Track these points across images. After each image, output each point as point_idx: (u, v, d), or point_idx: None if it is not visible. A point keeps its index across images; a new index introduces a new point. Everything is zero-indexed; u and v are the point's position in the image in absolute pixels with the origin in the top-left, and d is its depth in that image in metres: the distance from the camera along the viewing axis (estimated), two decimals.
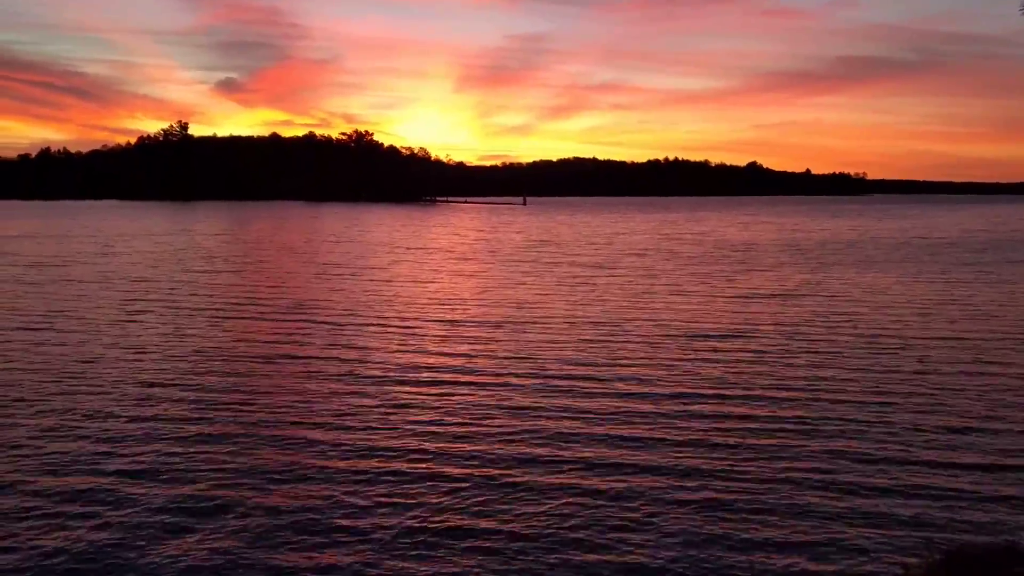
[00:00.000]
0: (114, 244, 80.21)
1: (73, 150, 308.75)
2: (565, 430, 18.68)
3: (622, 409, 20.40)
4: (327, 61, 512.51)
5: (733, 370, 24.60)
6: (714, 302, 39.68)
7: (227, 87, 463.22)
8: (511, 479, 15.63)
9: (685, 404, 20.85)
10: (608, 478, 15.67)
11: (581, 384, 22.90)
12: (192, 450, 17.25)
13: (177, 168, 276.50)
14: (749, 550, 12.80)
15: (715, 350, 27.67)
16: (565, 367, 24.94)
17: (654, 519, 13.82)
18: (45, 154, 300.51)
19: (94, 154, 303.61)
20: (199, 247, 77.28)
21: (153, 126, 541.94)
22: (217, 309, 37.49)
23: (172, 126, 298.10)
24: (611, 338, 29.82)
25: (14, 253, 68.82)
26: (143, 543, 12.98)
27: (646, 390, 22.24)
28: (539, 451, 17.25)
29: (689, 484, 15.39)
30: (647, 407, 20.60)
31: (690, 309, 37.20)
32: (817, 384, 22.85)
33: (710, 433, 18.44)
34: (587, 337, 30.04)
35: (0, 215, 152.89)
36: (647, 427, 18.92)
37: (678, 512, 14.10)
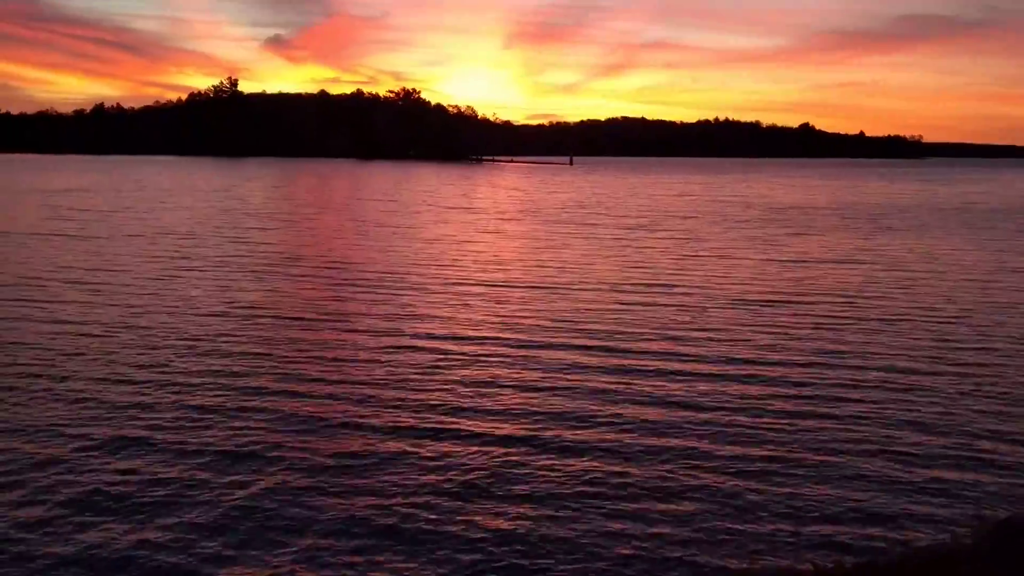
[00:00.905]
0: (162, 200, 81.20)
1: (126, 106, 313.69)
2: (608, 395, 18.37)
3: (666, 376, 20.01)
4: (375, 18, 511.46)
5: (783, 338, 24.01)
6: (763, 267, 38.88)
7: (276, 43, 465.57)
8: (548, 440, 15.39)
9: (732, 370, 20.40)
10: (652, 440, 15.37)
11: (625, 350, 22.51)
12: (235, 404, 17.30)
13: (226, 124, 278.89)
14: (800, 516, 12.51)
15: (765, 317, 27.05)
16: (608, 332, 24.55)
17: (697, 483, 13.51)
18: (99, 109, 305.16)
19: (146, 110, 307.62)
20: (246, 204, 77.88)
21: (203, 82, 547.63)
22: (261, 266, 37.68)
23: (222, 82, 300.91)
24: (656, 303, 29.33)
25: (66, 207, 69.99)
26: (192, 489, 13.14)
27: (692, 356, 21.78)
28: (579, 412, 16.97)
29: (738, 451, 15.02)
30: (693, 374, 20.18)
31: (739, 274, 36.49)
32: (870, 352, 22.21)
33: (759, 400, 17.98)
34: (631, 301, 29.59)
35: (54, 169, 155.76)
36: (693, 393, 18.52)
37: (726, 478, 13.76)
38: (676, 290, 32.00)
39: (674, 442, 15.60)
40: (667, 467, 14.47)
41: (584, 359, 21.52)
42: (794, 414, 17.20)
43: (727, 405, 17.81)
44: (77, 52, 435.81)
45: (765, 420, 16.84)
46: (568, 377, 19.83)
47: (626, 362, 21.19)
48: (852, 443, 15.57)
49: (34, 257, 39.68)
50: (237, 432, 15.89)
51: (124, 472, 13.97)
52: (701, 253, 43.91)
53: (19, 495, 13.06)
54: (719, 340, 23.64)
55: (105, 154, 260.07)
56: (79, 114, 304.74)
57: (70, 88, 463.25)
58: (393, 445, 15.31)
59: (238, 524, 12.21)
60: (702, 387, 19.12)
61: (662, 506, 12.93)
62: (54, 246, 44.03)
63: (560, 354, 21.97)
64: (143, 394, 18.21)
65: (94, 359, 21.07)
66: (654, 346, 22.91)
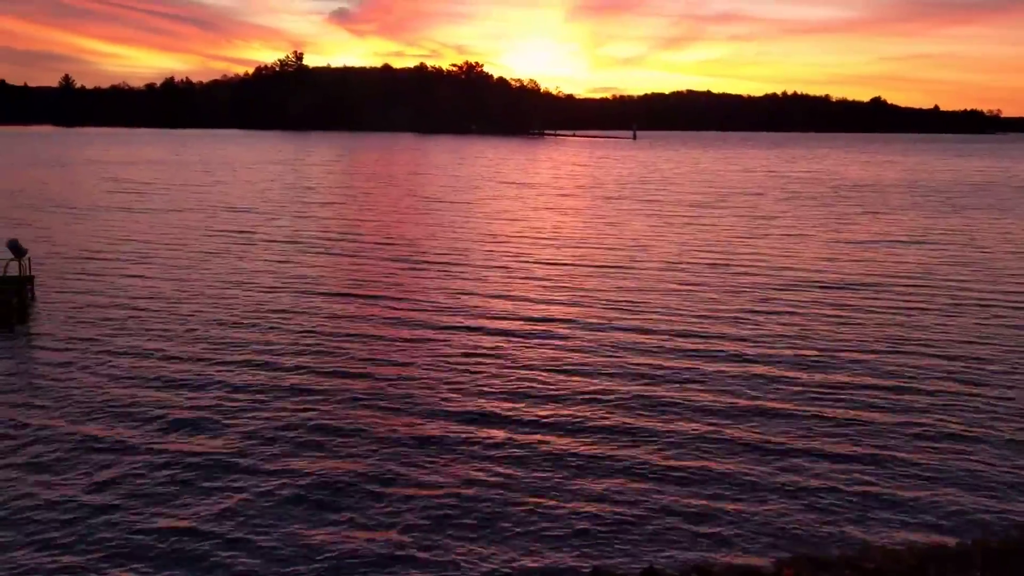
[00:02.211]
0: (226, 173, 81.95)
1: (195, 80, 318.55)
2: (672, 380, 17.46)
3: (732, 362, 19.01)
4: None
5: (854, 322, 22.74)
6: (833, 247, 37.22)
7: (340, 17, 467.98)
8: (611, 427, 14.58)
9: (802, 355, 19.29)
10: (724, 425, 14.46)
11: (687, 333, 21.52)
12: (290, 380, 16.89)
13: (291, 98, 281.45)
14: (854, 500, 11.74)
15: (835, 300, 25.71)
16: (668, 315, 23.58)
17: (765, 468, 12.59)
18: (169, 84, 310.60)
19: (214, 84, 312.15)
20: (307, 178, 78.14)
21: (269, 56, 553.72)
22: (318, 242, 37.43)
23: (288, 57, 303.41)
24: (719, 284, 28.18)
25: (131, 180, 71.01)
26: (252, 456, 13.07)
27: (759, 340, 20.71)
28: (643, 396, 16.13)
29: (808, 435, 14.03)
30: (760, 359, 19.13)
31: (808, 255, 34.97)
32: (947, 339, 20.85)
33: (834, 391, 16.92)
34: (692, 282, 28.47)
35: (124, 143, 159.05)
36: (761, 381, 17.51)
37: (796, 462, 12.82)
38: (740, 271, 30.74)
39: (743, 433, 14.66)
40: (741, 458, 13.64)
41: (644, 341, 20.69)
42: (871, 405, 16.16)
43: (798, 396, 16.76)
44: (150, 27, 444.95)
45: (840, 412, 15.77)
46: (630, 360, 18.96)
47: (689, 346, 20.29)
48: (920, 428, 14.72)
49: (97, 230, 40.06)
50: (293, 411, 15.49)
51: (178, 452, 13.64)
52: (767, 232, 42.34)
53: (78, 473, 12.80)
54: (787, 324, 22.48)
55: (174, 127, 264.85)
56: (150, 88, 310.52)
57: (142, 62, 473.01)
58: (449, 428, 14.71)
59: (300, 501, 11.74)
60: (769, 374, 18.09)
61: (744, 496, 12.05)
62: (115, 219, 44.46)
63: (619, 335, 21.14)
64: (196, 372, 17.98)
65: (144, 334, 21.03)
66: (717, 329, 21.90)
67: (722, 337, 21.32)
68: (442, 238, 38.97)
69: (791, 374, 18.37)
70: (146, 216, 46.18)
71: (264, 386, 17.26)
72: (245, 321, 22.56)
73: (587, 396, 16.84)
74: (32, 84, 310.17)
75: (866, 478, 13.18)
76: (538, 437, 14.66)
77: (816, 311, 24.33)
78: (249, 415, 15.61)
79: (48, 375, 17.89)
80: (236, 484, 12.75)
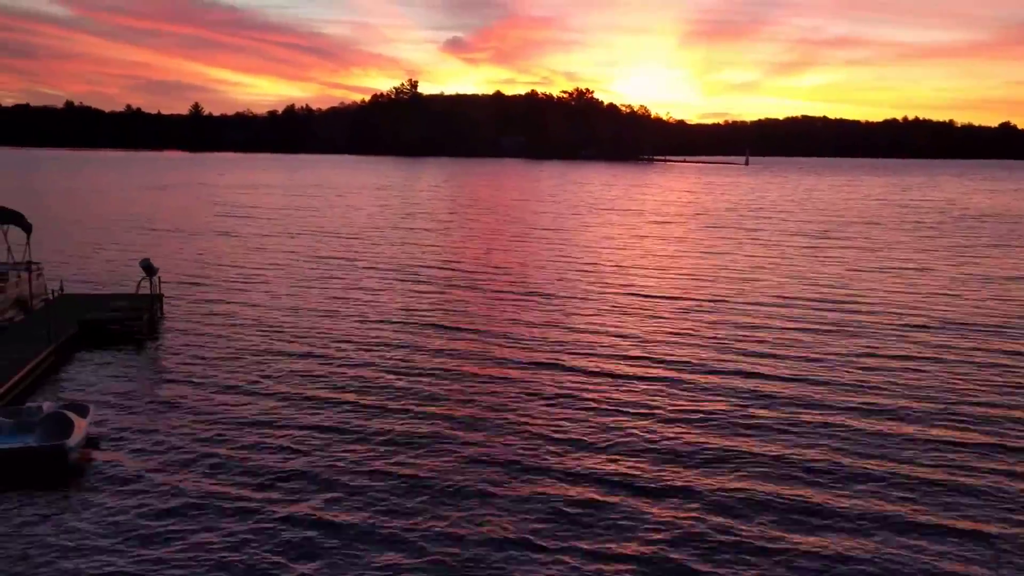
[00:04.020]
0: (336, 199, 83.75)
1: (314, 107, 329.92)
2: (766, 432, 16.14)
3: (840, 413, 17.48)
4: (551, 19, 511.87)
5: (983, 368, 20.76)
6: (958, 284, 34.63)
7: (454, 45, 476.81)
8: (698, 487, 13.45)
9: (926, 409, 17.55)
10: (837, 494, 13.14)
11: (787, 377, 20.01)
12: (393, 405, 16.49)
13: (406, 125, 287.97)
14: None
15: (961, 343, 23.62)
16: (767, 357, 22.02)
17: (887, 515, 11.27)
18: (289, 111, 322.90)
19: (332, 111, 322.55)
20: (413, 203, 79.03)
21: (385, 84, 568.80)
22: (419, 270, 37.29)
23: (403, 84, 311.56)
24: (827, 324, 26.29)
25: (246, 204, 73.25)
26: (370, 468, 13.55)
27: (872, 389, 19.02)
28: (733, 449, 14.90)
29: (944, 520, 12.58)
30: (874, 411, 17.52)
31: (928, 291, 32.59)
32: None
33: (959, 447, 15.28)
34: (796, 320, 26.69)
35: (245, 167, 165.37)
36: (874, 437, 15.99)
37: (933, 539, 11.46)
38: (852, 309, 28.75)
39: (865, 504, 13.25)
40: (866, 528, 12.24)
41: (739, 385, 19.30)
42: (1001, 472, 14.42)
43: (918, 459, 15.16)
44: (273, 56, 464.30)
45: (960, 478, 14.15)
46: (720, 406, 17.70)
47: (789, 392, 18.79)
48: None
49: (210, 252, 41.13)
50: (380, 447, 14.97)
51: (299, 452, 13.30)
52: (884, 265, 39.90)
53: (197, 476, 12.63)
54: (906, 371, 20.67)
55: (294, 153, 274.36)
56: (272, 115, 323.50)
57: (265, 90, 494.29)
58: (542, 464, 13.87)
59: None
60: (885, 430, 16.46)
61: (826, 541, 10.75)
62: (226, 242, 45.64)
63: (713, 379, 19.81)
64: (306, 392, 18.03)
65: (259, 353, 21.64)
66: (823, 374, 20.25)
67: (824, 383, 19.73)
68: (539, 267, 38.27)
69: (908, 429, 16.71)
70: (256, 240, 47.25)
71: (356, 412, 16.91)
72: (338, 348, 22.40)
73: (679, 442, 15.68)
74: (165, 112, 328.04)
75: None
76: (641, 499, 13.62)
77: (939, 354, 22.37)
78: (351, 440, 15.38)
79: (175, 388, 19.07)
80: (333, 513, 12.22)
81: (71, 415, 15.21)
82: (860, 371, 20.71)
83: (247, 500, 13.12)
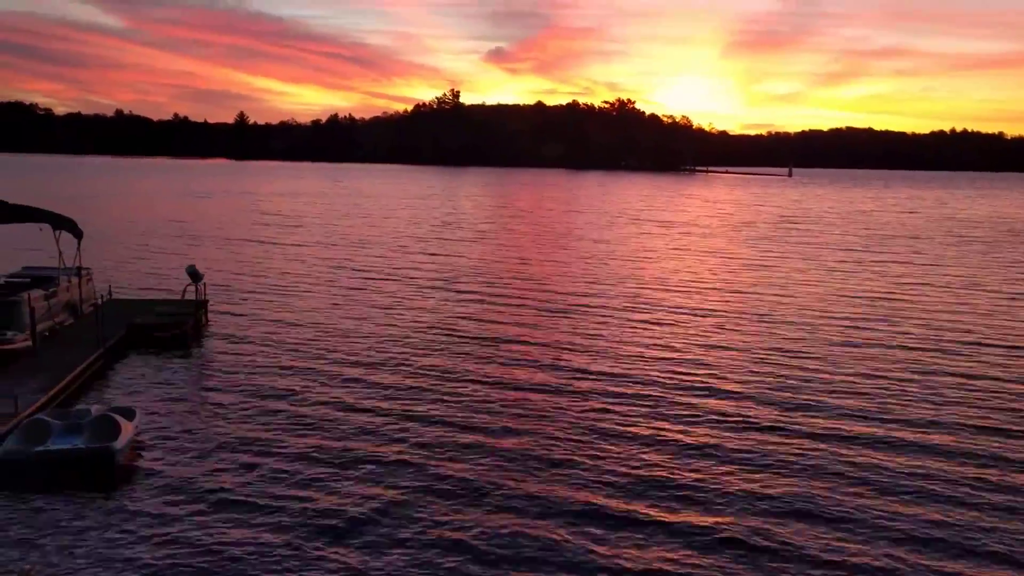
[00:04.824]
0: (376, 209, 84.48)
1: (357, 116, 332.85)
2: (799, 466, 16.00)
3: (881, 446, 17.25)
4: (592, 29, 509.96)
5: None
6: (1009, 303, 33.87)
7: (496, 56, 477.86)
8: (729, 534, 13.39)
9: (974, 439, 17.34)
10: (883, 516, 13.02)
11: (828, 405, 19.74)
12: (436, 409, 16.64)
13: (447, 134, 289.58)
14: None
15: (1012, 363, 23.21)
16: (808, 379, 21.69)
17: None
18: (333, 120, 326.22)
19: (374, 120, 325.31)
20: (452, 212, 79.39)
21: (427, 93, 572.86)
22: (455, 282, 37.49)
23: (445, 94, 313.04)
24: (870, 343, 25.87)
25: (287, 213, 74.17)
26: (401, 472, 13.11)
27: (921, 417, 18.76)
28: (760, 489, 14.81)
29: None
30: (920, 445, 17.30)
31: (977, 310, 31.95)
32: None
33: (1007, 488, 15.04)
34: (837, 337, 26.36)
35: (290, 176, 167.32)
36: (916, 470, 15.79)
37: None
38: (897, 326, 28.26)
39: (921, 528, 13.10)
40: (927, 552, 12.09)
41: (777, 417, 18.79)
42: None
43: (970, 478, 14.94)
44: (317, 66, 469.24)
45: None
46: (761, 415, 17.59)
47: (828, 423, 18.43)
48: None
49: (252, 259, 41.75)
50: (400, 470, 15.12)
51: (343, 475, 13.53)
52: (930, 281, 39.21)
53: (237, 474, 12.88)
54: (956, 394, 20.28)
55: (337, 162, 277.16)
56: (315, 124, 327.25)
57: (309, 99, 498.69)
58: (575, 483, 13.91)
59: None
60: (929, 464, 16.04)
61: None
62: (269, 250, 46.29)
63: (747, 408, 19.45)
64: (348, 397, 18.06)
65: (301, 359, 21.88)
66: (866, 401, 19.83)
67: (866, 412, 19.44)
68: (575, 279, 38.26)
69: (965, 446, 16.42)
70: (298, 248, 47.88)
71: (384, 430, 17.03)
72: (393, 354, 22.71)
73: (718, 450, 15.61)
74: (211, 120, 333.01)
75: None
76: (686, 514, 13.60)
77: (992, 376, 21.90)
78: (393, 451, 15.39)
79: (220, 393, 19.47)
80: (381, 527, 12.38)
81: (118, 418, 15.59)
82: (901, 398, 20.37)
83: (289, 505, 13.33)
